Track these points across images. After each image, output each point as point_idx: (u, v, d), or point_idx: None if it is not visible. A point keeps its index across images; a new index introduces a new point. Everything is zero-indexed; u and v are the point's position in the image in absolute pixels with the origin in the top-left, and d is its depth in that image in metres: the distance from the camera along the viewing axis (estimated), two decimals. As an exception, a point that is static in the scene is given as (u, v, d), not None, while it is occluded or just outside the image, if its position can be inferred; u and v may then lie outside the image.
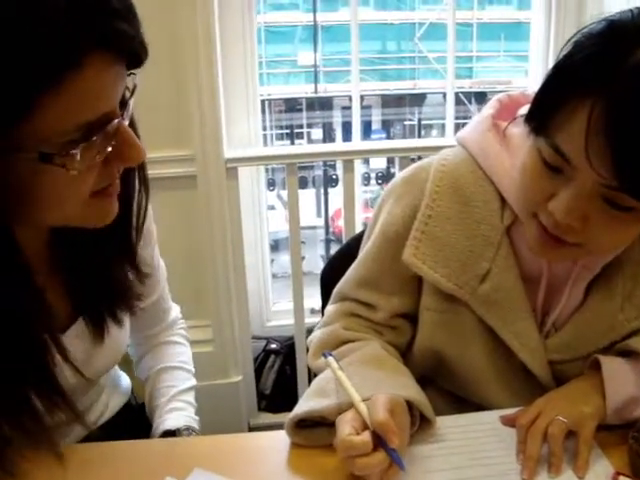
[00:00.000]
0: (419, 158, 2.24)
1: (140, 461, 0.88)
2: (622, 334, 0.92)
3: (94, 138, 0.68)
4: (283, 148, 2.64)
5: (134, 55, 0.70)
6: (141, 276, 0.96)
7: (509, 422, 0.89)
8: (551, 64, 2.25)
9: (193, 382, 1.16)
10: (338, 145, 2.77)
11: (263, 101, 2.36)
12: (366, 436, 0.77)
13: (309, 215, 4.95)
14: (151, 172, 1.98)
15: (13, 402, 0.78)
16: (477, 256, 0.94)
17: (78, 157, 0.68)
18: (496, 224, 0.93)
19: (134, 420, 1.14)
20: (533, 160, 0.81)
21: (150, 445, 0.92)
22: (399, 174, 1.06)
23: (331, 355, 0.92)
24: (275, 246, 3.83)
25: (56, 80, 0.62)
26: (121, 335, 0.99)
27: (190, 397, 1.14)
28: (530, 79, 2.43)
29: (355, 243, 1.17)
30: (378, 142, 3.37)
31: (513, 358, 0.95)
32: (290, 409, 0.91)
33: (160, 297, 1.13)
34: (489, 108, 0.99)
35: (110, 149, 0.72)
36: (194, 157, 1.95)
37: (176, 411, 1.09)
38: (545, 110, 0.78)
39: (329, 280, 1.22)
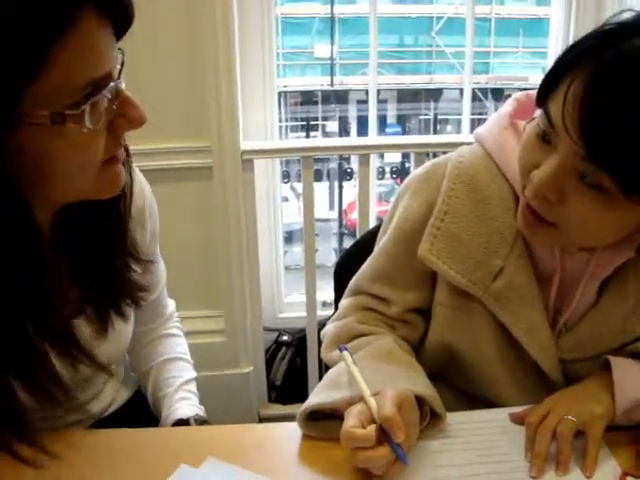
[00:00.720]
0: (434, 155, 2.25)
1: (155, 448, 0.89)
2: (633, 336, 0.93)
3: (99, 95, 0.71)
4: (299, 141, 2.64)
5: (122, 13, 0.73)
6: (142, 266, 0.97)
7: (519, 420, 0.90)
8: None
9: (194, 373, 1.18)
10: (354, 139, 2.77)
11: (279, 93, 2.37)
12: (370, 430, 0.78)
13: (322, 208, 4.96)
14: (168, 163, 2.02)
15: (29, 361, 0.80)
16: (491, 253, 0.94)
17: (88, 114, 0.70)
18: (511, 222, 0.93)
19: (145, 408, 1.16)
20: (532, 132, 0.85)
21: (165, 433, 0.94)
22: (416, 170, 1.07)
23: (346, 349, 0.93)
24: (288, 238, 3.84)
25: (55, 38, 0.65)
26: (126, 329, 1.00)
27: (194, 387, 1.16)
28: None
29: (370, 237, 1.18)
30: (394, 137, 3.37)
31: (524, 356, 0.96)
32: (300, 401, 0.92)
33: (159, 295, 1.16)
34: (507, 106, 1.00)
35: (114, 108, 0.74)
36: (211, 148, 1.96)
37: (184, 400, 1.10)
38: (547, 81, 0.83)
39: (343, 274, 1.23)
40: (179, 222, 2.02)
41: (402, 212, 1.02)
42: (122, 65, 0.75)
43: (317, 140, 2.42)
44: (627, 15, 0.79)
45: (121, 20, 0.73)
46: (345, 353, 0.92)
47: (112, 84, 0.73)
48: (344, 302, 1.10)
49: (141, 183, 1.01)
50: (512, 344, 0.96)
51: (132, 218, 0.94)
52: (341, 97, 5.36)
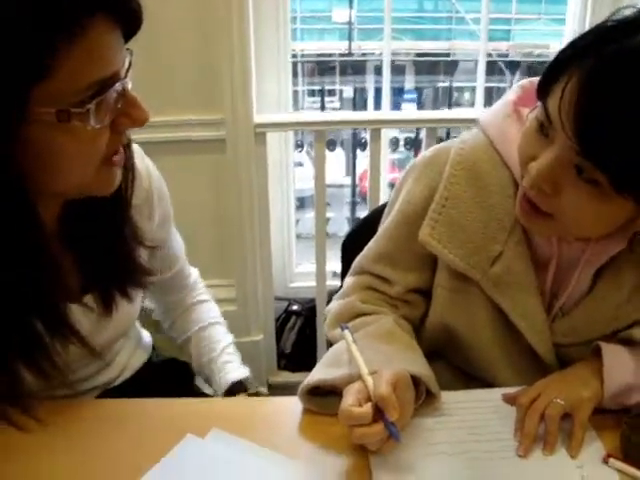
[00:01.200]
0: (447, 131, 2.25)
1: (162, 418, 0.93)
2: (625, 324, 0.95)
3: (105, 95, 0.73)
4: (312, 114, 2.64)
5: (131, 17, 0.76)
6: (148, 251, 1.01)
7: (510, 400, 0.93)
8: (588, 27, 2.18)
9: (231, 336, 1.25)
10: (367, 114, 2.76)
11: (295, 63, 2.37)
12: (367, 408, 0.81)
13: (338, 173, 4.95)
14: (183, 135, 2.04)
15: (27, 342, 0.84)
16: (490, 239, 0.97)
17: (93, 112, 0.73)
18: (510, 209, 0.95)
19: (155, 376, 1.21)
20: (531, 125, 0.87)
21: (171, 404, 0.97)
22: (420, 154, 1.09)
23: (347, 328, 0.97)
24: (301, 205, 3.85)
25: (66, 40, 0.68)
26: (131, 309, 1.04)
27: (234, 349, 1.23)
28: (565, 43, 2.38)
29: (378, 215, 1.20)
30: (407, 112, 3.33)
31: (520, 338, 0.99)
32: (308, 369, 0.95)
33: (181, 268, 1.21)
34: (511, 94, 1.01)
35: (119, 107, 0.77)
36: (224, 121, 1.99)
37: (230, 363, 1.17)
38: (547, 75, 0.84)
39: (350, 251, 1.26)
40: (193, 193, 2.05)
41: (405, 196, 1.05)
42: (130, 65, 0.78)
43: (330, 114, 2.42)
44: (628, 12, 0.80)
45: (130, 24, 0.75)
46: (346, 332, 0.95)
47: (118, 84, 0.75)
48: (348, 280, 1.13)
49: (149, 168, 1.03)
50: (508, 327, 0.99)
51: (137, 206, 0.98)
52: (358, 67, 5.32)
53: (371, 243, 1.11)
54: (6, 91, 0.67)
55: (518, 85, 1.02)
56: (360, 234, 1.28)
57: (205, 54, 1.96)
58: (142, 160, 1.02)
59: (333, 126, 2.22)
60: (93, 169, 0.79)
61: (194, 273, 1.29)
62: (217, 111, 1.99)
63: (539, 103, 0.87)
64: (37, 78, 0.68)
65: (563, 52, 0.83)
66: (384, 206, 1.17)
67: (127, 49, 0.78)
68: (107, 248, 0.93)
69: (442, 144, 1.07)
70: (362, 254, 1.12)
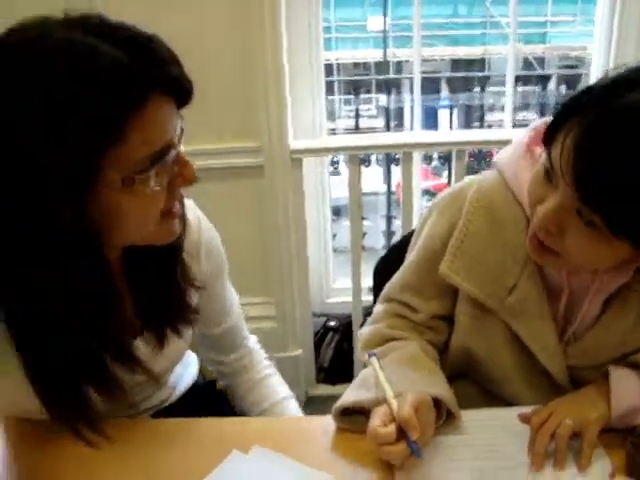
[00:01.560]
0: (479, 151, 2.30)
1: (210, 435, 1.04)
2: (632, 348, 1.03)
3: (162, 162, 0.84)
4: (346, 139, 2.74)
5: (184, 93, 0.87)
6: (197, 292, 1.10)
7: (525, 420, 1.00)
8: (616, 30, 2.19)
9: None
10: (399, 136, 2.81)
11: (332, 82, 2.46)
12: (391, 428, 0.91)
13: (374, 182, 5.01)
14: (223, 162, 2.16)
15: (99, 373, 0.96)
16: (505, 271, 1.05)
17: (152, 179, 0.84)
18: (523, 244, 1.02)
19: (201, 398, 1.31)
20: (539, 170, 0.95)
21: (216, 423, 1.08)
22: (446, 190, 1.18)
23: (374, 355, 1.06)
24: (337, 214, 3.90)
25: (136, 112, 0.79)
26: (181, 345, 1.14)
27: None
28: (595, 45, 2.38)
29: (407, 241, 1.25)
30: (440, 134, 3.37)
31: (536, 361, 1.07)
32: (345, 382, 1.05)
33: (235, 325, 1.28)
34: (525, 136, 1.09)
35: (175, 169, 0.88)
36: (262, 148, 2.10)
37: None
38: (552, 125, 0.92)
39: (381, 275, 1.35)
40: (234, 216, 2.17)
41: (427, 230, 1.14)
42: (182, 130, 0.88)
43: (362, 138, 2.49)
44: (621, 70, 0.87)
45: (182, 96, 0.87)
46: (373, 359, 1.04)
47: (174, 151, 0.86)
48: (378, 307, 1.22)
49: (200, 222, 1.13)
50: (525, 350, 1.08)
51: (188, 252, 1.07)
52: (394, 81, 5.40)
53: (398, 273, 1.20)
54: (86, 156, 0.79)
55: (531, 128, 1.09)
56: (391, 260, 1.37)
57: (243, 87, 2.08)
58: (194, 213, 1.12)
59: (366, 150, 2.31)
60: (154, 223, 0.90)
61: (252, 340, 1.34)
62: (255, 139, 2.11)
63: (545, 150, 0.95)
64: (110, 144, 0.79)
65: (567, 103, 0.91)
66: (412, 232, 1.26)
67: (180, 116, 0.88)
68: (162, 288, 1.04)
69: (465, 181, 1.15)
70: (390, 283, 1.21)
